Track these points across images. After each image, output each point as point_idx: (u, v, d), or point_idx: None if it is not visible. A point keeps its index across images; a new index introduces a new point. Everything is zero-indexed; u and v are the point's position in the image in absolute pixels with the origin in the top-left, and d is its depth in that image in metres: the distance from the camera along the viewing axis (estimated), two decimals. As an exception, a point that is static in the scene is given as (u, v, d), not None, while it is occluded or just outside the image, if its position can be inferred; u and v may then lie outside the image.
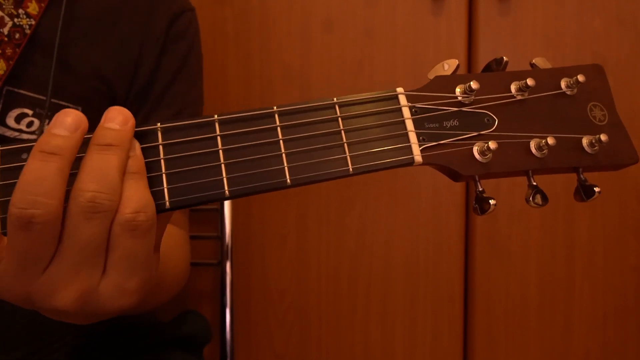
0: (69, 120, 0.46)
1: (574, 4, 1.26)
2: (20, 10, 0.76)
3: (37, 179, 0.44)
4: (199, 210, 1.26)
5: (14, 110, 0.75)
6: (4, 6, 0.75)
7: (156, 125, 0.50)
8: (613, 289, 1.29)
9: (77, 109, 0.76)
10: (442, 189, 1.28)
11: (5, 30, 0.75)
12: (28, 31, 0.76)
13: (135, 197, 0.46)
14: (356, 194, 1.29)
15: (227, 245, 1.22)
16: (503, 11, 1.26)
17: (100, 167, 0.46)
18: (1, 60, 0.74)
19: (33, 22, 0.76)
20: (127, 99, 0.84)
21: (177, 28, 0.89)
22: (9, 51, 0.75)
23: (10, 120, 0.75)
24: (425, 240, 1.30)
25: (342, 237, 1.30)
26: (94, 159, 0.46)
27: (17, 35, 0.75)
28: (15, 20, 0.75)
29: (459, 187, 1.27)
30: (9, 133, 0.75)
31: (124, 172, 0.47)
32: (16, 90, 0.75)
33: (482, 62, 1.25)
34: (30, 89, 0.76)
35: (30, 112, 0.76)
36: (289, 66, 1.28)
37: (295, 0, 1.28)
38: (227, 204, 1.22)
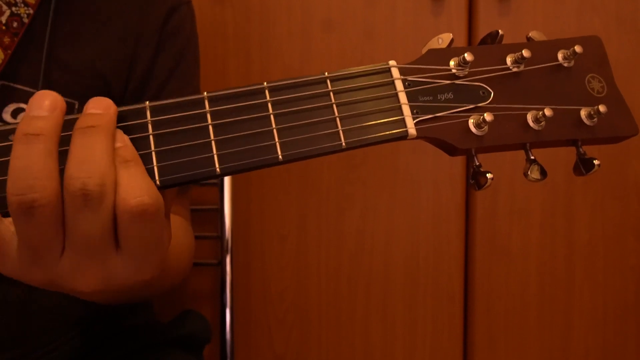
0: (46, 102, 0.47)
1: (574, 4, 1.26)
2: (18, -1, 0.76)
3: (28, 163, 0.44)
4: (199, 210, 1.26)
5: (10, 105, 0.75)
6: (1, -6, 0.75)
7: (144, 103, 0.49)
8: (613, 289, 1.28)
9: (74, 104, 0.77)
10: (442, 189, 1.28)
11: (3, 19, 0.74)
12: (26, 20, 0.76)
13: (136, 184, 0.46)
14: (356, 193, 1.28)
15: (227, 245, 1.22)
16: (503, 11, 1.26)
17: (85, 152, 0.45)
18: (-1, 49, 0.74)
19: (31, 11, 0.76)
20: (124, 96, 0.84)
21: (173, 22, 0.88)
22: (6, 40, 0.75)
23: (7, 116, 0.74)
24: (425, 240, 1.29)
25: (342, 237, 1.30)
26: (77, 143, 0.46)
27: (14, 24, 0.75)
28: (13, 9, 0.75)
29: (459, 186, 1.27)
30: None
31: (111, 155, 0.46)
32: (12, 84, 0.75)
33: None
34: (26, 83, 0.75)
35: (26, 106, 0.76)
36: (289, 66, 1.28)
37: (295, 0, 1.28)
38: (226, 204, 1.22)
